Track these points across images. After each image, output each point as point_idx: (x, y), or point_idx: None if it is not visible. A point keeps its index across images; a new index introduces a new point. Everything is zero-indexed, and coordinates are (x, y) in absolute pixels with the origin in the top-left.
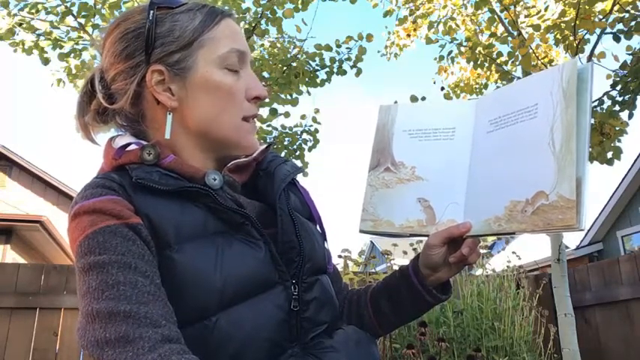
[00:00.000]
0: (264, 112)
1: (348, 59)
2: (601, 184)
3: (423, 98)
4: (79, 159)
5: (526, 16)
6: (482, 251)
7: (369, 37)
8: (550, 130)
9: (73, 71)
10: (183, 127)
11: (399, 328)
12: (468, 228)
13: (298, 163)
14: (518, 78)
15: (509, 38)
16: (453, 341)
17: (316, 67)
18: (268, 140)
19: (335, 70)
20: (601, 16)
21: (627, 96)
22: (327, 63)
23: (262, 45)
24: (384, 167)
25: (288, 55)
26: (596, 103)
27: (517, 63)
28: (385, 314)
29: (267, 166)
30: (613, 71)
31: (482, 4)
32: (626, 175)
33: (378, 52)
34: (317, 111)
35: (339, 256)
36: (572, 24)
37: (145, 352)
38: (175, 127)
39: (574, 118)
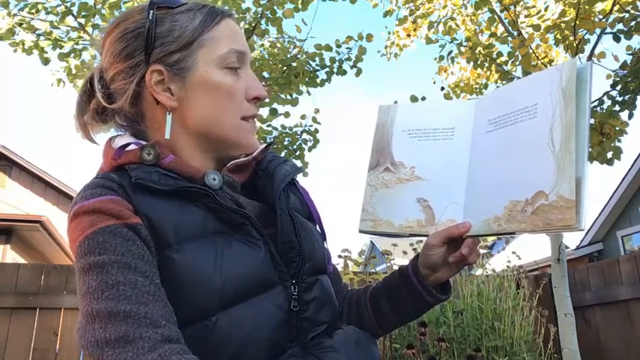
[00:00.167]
0: (264, 112)
1: (348, 59)
2: (601, 184)
3: (423, 98)
4: (79, 159)
5: (526, 16)
6: (482, 251)
7: (369, 37)
8: (549, 130)
9: (73, 71)
10: (183, 127)
11: (398, 328)
12: (467, 228)
13: (298, 163)
14: (518, 78)
15: (509, 38)
16: (453, 341)
17: (316, 67)
18: (268, 140)
19: (335, 70)
20: (601, 16)
21: (627, 96)
22: (327, 63)
23: (262, 45)
24: (384, 167)
25: (288, 55)
26: (596, 103)
27: (517, 63)
28: (385, 314)
29: (266, 166)
30: (613, 71)
31: (482, 4)
32: (626, 175)
33: (378, 52)
34: (317, 111)
35: (339, 256)
36: (572, 24)
37: (145, 352)
38: (175, 127)
39: (573, 117)
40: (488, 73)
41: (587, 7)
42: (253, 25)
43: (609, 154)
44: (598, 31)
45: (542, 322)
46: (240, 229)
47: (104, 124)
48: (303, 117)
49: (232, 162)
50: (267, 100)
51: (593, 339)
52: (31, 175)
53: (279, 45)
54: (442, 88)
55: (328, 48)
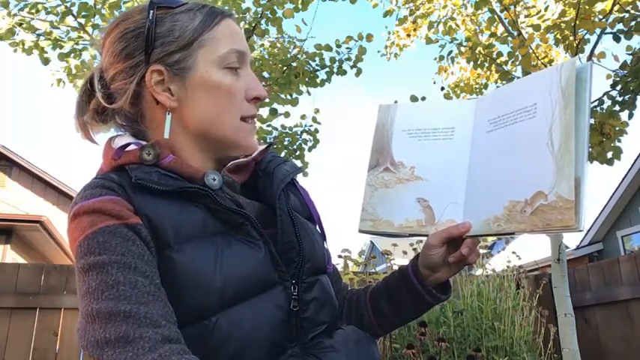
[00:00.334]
0: (264, 112)
1: (348, 59)
2: (601, 184)
3: (423, 98)
4: (79, 159)
5: (526, 16)
6: (482, 251)
7: (369, 37)
8: (549, 130)
9: (73, 71)
10: (183, 127)
11: (398, 328)
12: (467, 228)
13: (298, 163)
14: (518, 78)
15: (509, 38)
16: (453, 341)
17: (316, 67)
18: (268, 140)
19: (335, 70)
20: (601, 16)
21: (627, 96)
22: (327, 63)
23: (262, 45)
24: (384, 167)
25: (288, 55)
26: (596, 103)
27: (517, 63)
28: (385, 314)
29: (266, 166)
30: (613, 71)
31: (482, 4)
32: (626, 175)
33: (378, 52)
34: (317, 111)
35: (339, 256)
36: (572, 24)
37: (145, 352)
38: (174, 127)
39: (572, 117)
40: (488, 73)
41: (587, 7)
42: (253, 25)
43: (609, 154)
44: (598, 31)
45: (542, 322)
46: (240, 229)
47: (104, 124)
48: (303, 117)
49: (232, 162)
50: (267, 100)
51: (593, 339)
52: (31, 175)
53: (279, 45)
54: (442, 88)
55: (328, 48)
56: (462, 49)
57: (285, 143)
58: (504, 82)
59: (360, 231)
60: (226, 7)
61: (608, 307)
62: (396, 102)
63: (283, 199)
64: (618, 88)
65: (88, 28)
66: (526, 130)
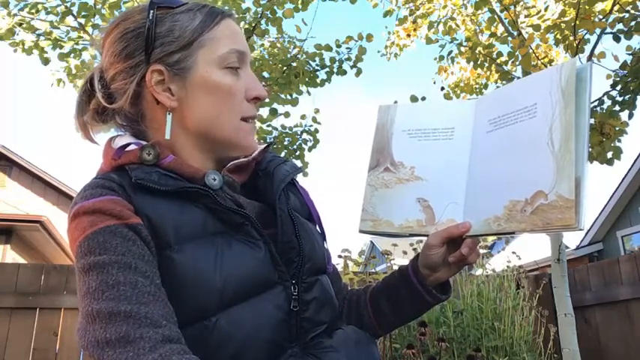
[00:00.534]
0: (264, 112)
1: (348, 59)
2: (601, 184)
3: (423, 98)
4: (79, 159)
5: (526, 16)
6: (482, 251)
7: (369, 37)
8: (549, 130)
9: (73, 71)
10: (183, 127)
11: (398, 328)
12: (467, 228)
13: (298, 163)
14: (518, 78)
15: (509, 38)
16: (453, 341)
17: (316, 67)
18: (268, 140)
19: (335, 70)
20: (601, 16)
21: (627, 96)
22: (327, 63)
23: (262, 45)
24: (384, 167)
25: (288, 55)
26: (596, 103)
27: (517, 63)
28: (385, 314)
29: (266, 167)
30: (613, 71)
31: (482, 4)
32: (626, 175)
33: (378, 52)
34: (317, 111)
35: (339, 256)
36: (572, 24)
37: (146, 352)
38: (175, 127)
39: (573, 117)
40: (488, 73)
41: (587, 7)
42: (253, 25)
43: (609, 154)
44: (598, 31)
45: (542, 322)
46: (240, 229)
47: (104, 124)
48: (303, 117)
49: (232, 162)
50: (267, 100)
51: (593, 339)
52: (31, 175)
53: (279, 45)
54: (442, 88)
55: (328, 48)
56: (462, 49)
57: (285, 143)
58: (504, 82)
59: (360, 231)
60: (226, 7)
61: (608, 307)
62: (396, 102)
63: (283, 199)
64: (618, 88)
65: (88, 28)
66: (526, 130)
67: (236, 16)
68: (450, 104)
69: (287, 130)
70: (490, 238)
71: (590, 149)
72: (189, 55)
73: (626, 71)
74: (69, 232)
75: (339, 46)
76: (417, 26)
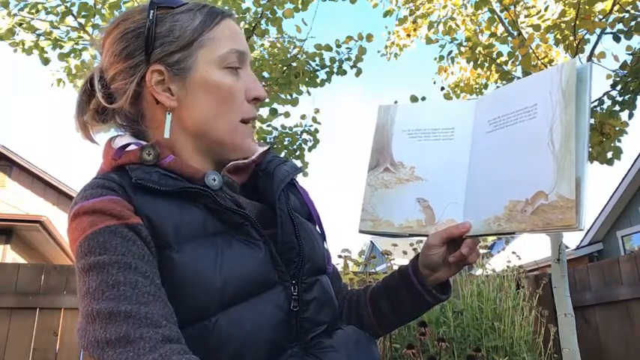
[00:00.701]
0: (264, 112)
1: (348, 59)
2: (601, 184)
3: (423, 98)
4: (79, 159)
5: (526, 16)
6: (482, 251)
7: (369, 37)
8: (549, 130)
9: (73, 71)
10: (182, 127)
11: (398, 328)
12: (467, 228)
13: (298, 163)
14: (518, 78)
15: (509, 38)
16: (453, 341)
17: (316, 67)
18: (268, 140)
19: (335, 70)
20: (601, 16)
21: (627, 96)
22: (327, 63)
23: (262, 45)
24: (384, 167)
25: (288, 55)
26: (596, 103)
27: (517, 63)
28: (385, 314)
29: (266, 167)
30: (613, 71)
31: (482, 4)
32: (626, 175)
33: (378, 52)
34: (317, 111)
35: (339, 256)
36: (572, 24)
37: (146, 352)
38: (175, 128)
39: (573, 118)
40: (488, 73)
41: (587, 7)
42: (253, 25)
43: (609, 154)
44: (598, 31)
45: (542, 322)
46: (240, 229)
47: (104, 124)
48: (303, 117)
49: (232, 163)
50: (267, 100)
51: (593, 339)
52: (31, 175)
53: (279, 45)
54: (442, 88)
55: (328, 48)
56: (462, 49)
57: (285, 143)
58: (504, 82)
59: (360, 231)
60: (226, 7)
61: (608, 307)
62: (396, 102)
63: (283, 199)
64: (618, 88)
65: (88, 28)
66: (526, 130)
67: (236, 16)
68: (450, 104)
69: (287, 130)
70: (490, 238)
71: (590, 149)
72: (189, 55)
73: (626, 71)
74: (69, 232)
75: (339, 46)
76: (417, 26)
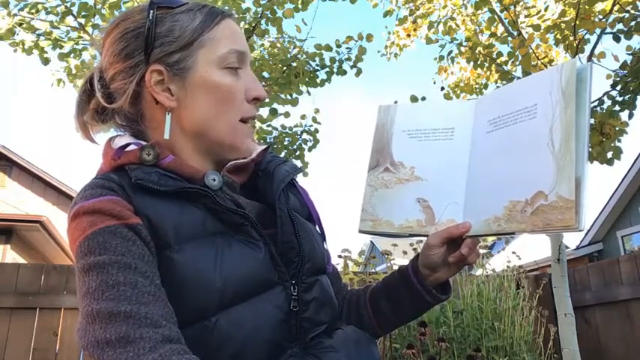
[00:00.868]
0: (264, 112)
1: (348, 59)
2: (601, 184)
3: (423, 98)
4: (79, 159)
5: (526, 16)
6: (482, 251)
7: (369, 37)
8: (549, 131)
9: (73, 71)
10: (182, 127)
11: (398, 328)
12: (467, 228)
13: (298, 163)
14: (518, 78)
15: (509, 38)
16: (453, 341)
17: (316, 67)
18: (268, 140)
19: (335, 70)
20: (601, 16)
21: (627, 96)
22: (327, 63)
23: (262, 45)
24: (384, 167)
25: (288, 55)
26: (596, 103)
27: (517, 63)
28: (385, 314)
29: (266, 167)
30: (613, 71)
31: (482, 4)
32: (626, 175)
33: (378, 52)
34: (317, 111)
35: (339, 256)
36: (572, 24)
37: (146, 353)
38: (174, 128)
39: (573, 118)
40: (488, 73)
41: (587, 7)
42: (253, 25)
43: (609, 154)
44: (598, 31)
45: (542, 322)
46: (239, 229)
47: (104, 124)
48: (303, 117)
49: (231, 163)
50: (267, 100)
51: (593, 339)
52: (31, 175)
53: (279, 45)
54: (442, 88)
55: (328, 48)
56: (462, 49)
57: (285, 143)
58: (504, 82)
59: (360, 231)
60: (226, 7)
61: (608, 307)
62: (396, 102)
63: (283, 199)
64: (618, 88)
65: (88, 28)
66: (526, 130)
67: (236, 16)
68: (450, 104)
69: (287, 130)
70: (490, 238)
71: (590, 149)
72: (188, 55)
73: (626, 71)
74: (69, 233)
75: (339, 46)
76: (417, 26)
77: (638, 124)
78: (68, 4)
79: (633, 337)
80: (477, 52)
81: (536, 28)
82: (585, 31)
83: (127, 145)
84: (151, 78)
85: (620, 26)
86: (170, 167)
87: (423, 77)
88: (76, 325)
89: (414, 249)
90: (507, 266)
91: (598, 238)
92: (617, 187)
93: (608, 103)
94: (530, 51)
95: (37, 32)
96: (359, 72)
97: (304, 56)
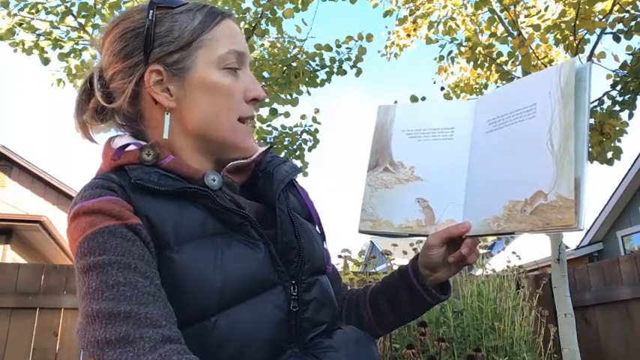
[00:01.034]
0: (264, 112)
1: (348, 59)
2: (601, 184)
3: (423, 98)
4: (79, 159)
5: (526, 16)
6: (482, 251)
7: (369, 37)
8: (548, 130)
9: (73, 71)
10: (181, 127)
11: (398, 328)
12: (467, 228)
13: (298, 163)
14: (518, 78)
15: (509, 38)
16: (453, 341)
17: (316, 67)
18: (268, 140)
19: (335, 70)
20: (601, 16)
21: (627, 96)
22: (327, 63)
23: (262, 45)
24: (383, 167)
25: (288, 55)
26: (596, 103)
27: (517, 63)
28: (384, 314)
29: (265, 167)
30: (613, 71)
31: (482, 4)
32: (626, 175)
33: (378, 52)
34: (317, 111)
35: (339, 256)
36: (572, 24)
37: (146, 353)
38: (174, 128)
39: (572, 117)
40: (488, 73)
41: (587, 7)
42: (253, 25)
43: (609, 154)
44: (598, 31)
45: (542, 322)
46: (239, 229)
47: (103, 124)
48: (303, 117)
49: (231, 163)
50: (266, 100)
51: (593, 339)
52: (31, 175)
53: (279, 45)
54: (442, 88)
55: (328, 48)
56: (462, 49)
57: (285, 143)
58: (504, 82)
59: (360, 231)
60: (226, 8)
61: (608, 307)
62: (395, 102)
63: (283, 199)
64: (618, 88)
65: (88, 28)
66: (526, 130)
67: (236, 16)
68: (450, 104)
69: (287, 130)
70: (490, 238)
71: (590, 149)
72: (188, 55)
73: (626, 71)
74: (69, 233)
75: (339, 46)
76: (417, 26)
77: (638, 124)
78: (68, 4)
79: (633, 337)
80: (477, 52)
81: (536, 28)
82: (585, 31)
83: (127, 145)
84: (150, 78)
85: (620, 26)
86: (170, 167)
87: (423, 77)
88: (76, 326)
89: (414, 249)
90: (507, 266)
91: (598, 238)
92: (617, 187)
93: (608, 103)
94: (530, 51)
95: (37, 32)
96: (359, 72)
97: (304, 56)
